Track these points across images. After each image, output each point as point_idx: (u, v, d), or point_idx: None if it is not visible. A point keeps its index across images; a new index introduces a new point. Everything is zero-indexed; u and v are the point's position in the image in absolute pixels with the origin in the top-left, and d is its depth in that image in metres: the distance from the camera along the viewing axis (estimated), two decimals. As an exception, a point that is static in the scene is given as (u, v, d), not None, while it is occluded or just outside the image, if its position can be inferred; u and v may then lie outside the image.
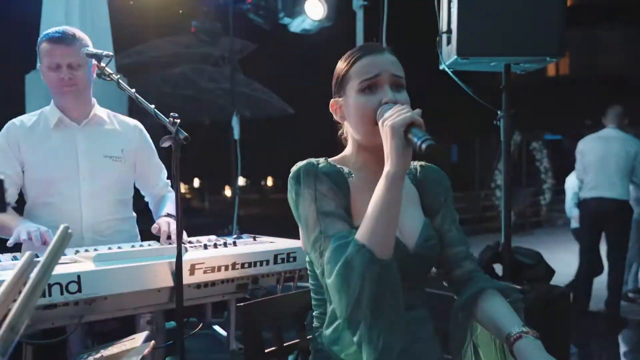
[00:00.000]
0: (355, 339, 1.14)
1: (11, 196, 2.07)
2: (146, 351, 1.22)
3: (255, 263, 1.78)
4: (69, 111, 2.13)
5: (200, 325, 1.93)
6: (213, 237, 2.09)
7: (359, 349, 1.14)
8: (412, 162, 1.47)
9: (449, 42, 2.70)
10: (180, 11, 5.50)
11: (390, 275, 1.13)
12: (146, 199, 2.40)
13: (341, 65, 1.38)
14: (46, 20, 4.34)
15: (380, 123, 1.21)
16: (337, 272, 1.14)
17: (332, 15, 4.22)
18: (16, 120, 2.14)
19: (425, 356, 1.29)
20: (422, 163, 1.48)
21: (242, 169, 5.20)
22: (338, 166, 1.33)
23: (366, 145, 1.35)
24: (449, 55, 2.69)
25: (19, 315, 0.90)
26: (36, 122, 2.12)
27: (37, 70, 4.23)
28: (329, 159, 1.37)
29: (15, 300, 0.93)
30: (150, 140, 2.29)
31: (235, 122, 4.98)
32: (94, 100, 2.20)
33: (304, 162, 1.31)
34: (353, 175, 1.33)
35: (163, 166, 2.35)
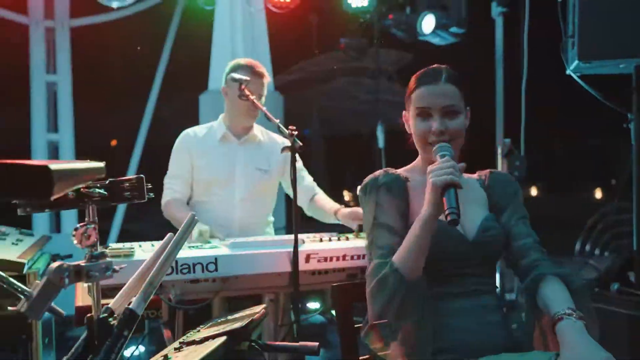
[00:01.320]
0: (384, 336, 1.41)
1: (184, 193, 2.54)
2: (256, 316, 1.54)
3: (363, 256, 2.03)
4: (234, 128, 2.56)
5: (320, 309, 2.23)
6: (334, 234, 2.37)
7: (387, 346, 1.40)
8: (481, 171, 1.67)
9: (573, 46, 2.70)
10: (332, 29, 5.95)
11: (415, 290, 1.40)
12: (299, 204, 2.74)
13: (410, 84, 1.59)
14: (216, 46, 5.03)
15: (428, 169, 1.41)
16: (374, 285, 1.42)
17: (457, 22, 4.32)
18: (190, 131, 2.62)
19: (493, 338, 1.44)
20: (491, 170, 1.67)
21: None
22: (398, 173, 1.57)
23: (422, 156, 1.60)
24: (573, 59, 2.70)
25: (156, 275, 1.26)
26: (206, 134, 2.58)
27: (210, 91, 4.94)
28: (400, 169, 1.61)
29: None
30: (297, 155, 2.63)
31: (379, 132, 5.25)
32: None
33: (369, 177, 1.57)
34: (409, 179, 1.56)
35: (307, 174, 2.68)
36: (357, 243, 2.09)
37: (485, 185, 1.63)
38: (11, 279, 1.13)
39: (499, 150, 4.24)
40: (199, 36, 5.30)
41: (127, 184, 1.17)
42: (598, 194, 13.32)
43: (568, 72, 2.80)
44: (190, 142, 2.56)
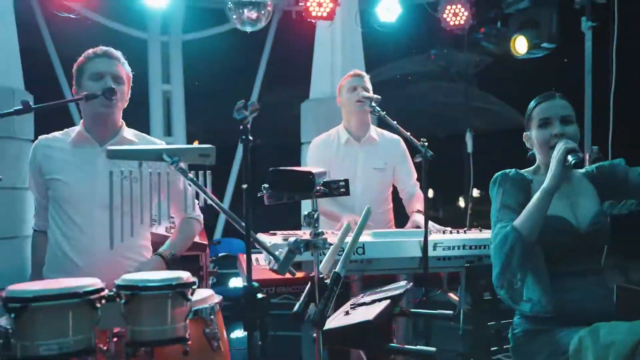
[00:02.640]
0: (502, 292, 1.82)
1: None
2: (409, 286, 1.98)
3: (479, 246, 2.44)
4: (354, 132, 3.08)
5: (439, 291, 2.66)
6: (449, 228, 2.78)
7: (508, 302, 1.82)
8: (588, 166, 2.03)
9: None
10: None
11: (531, 251, 1.78)
12: (400, 195, 3.23)
13: (530, 107, 2.02)
14: (317, 60, 5.54)
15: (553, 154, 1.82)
16: (497, 240, 1.82)
17: (548, 38, 4.58)
18: (323, 136, 3.16)
19: (597, 311, 1.80)
20: (597, 164, 2.02)
21: (475, 180, 5.77)
22: (525, 174, 1.97)
23: (543, 162, 1.98)
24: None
25: (350, 250, 1.72)
26: (332, 139, 3.12)
27: (310, 99, 5.44)
28: (525, 170, 2.01)
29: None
30: (407, 151, 3.12)
31: (468, 137, 5.58)
32: None
33: (500, 172, 1.98)
34: (532, 180, 1.96)
35: (414, 170, 3.16)
36: (474, 235, 2.50)
37: (593, 178, 1.99)
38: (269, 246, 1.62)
39: (587, 157, 4.48)
40: (294, 46, 5.83)
41: (336, 185, 1.65)
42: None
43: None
44: (320, 145, 3.12)
